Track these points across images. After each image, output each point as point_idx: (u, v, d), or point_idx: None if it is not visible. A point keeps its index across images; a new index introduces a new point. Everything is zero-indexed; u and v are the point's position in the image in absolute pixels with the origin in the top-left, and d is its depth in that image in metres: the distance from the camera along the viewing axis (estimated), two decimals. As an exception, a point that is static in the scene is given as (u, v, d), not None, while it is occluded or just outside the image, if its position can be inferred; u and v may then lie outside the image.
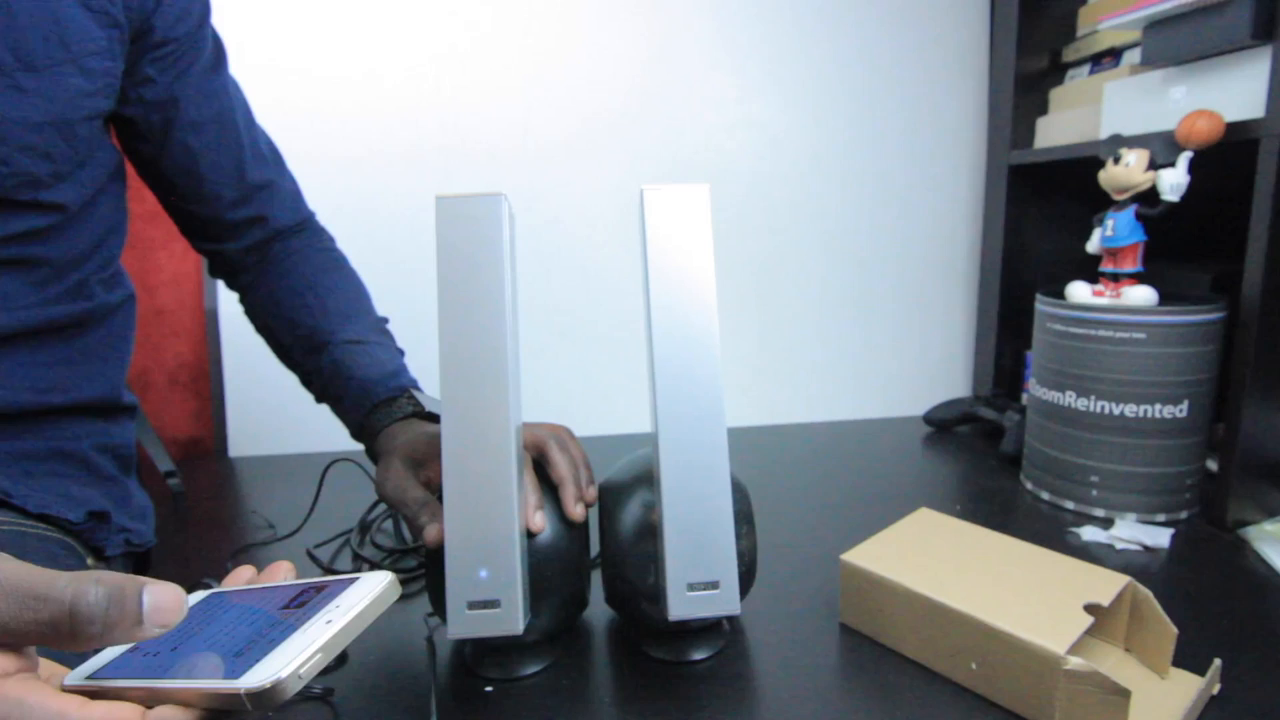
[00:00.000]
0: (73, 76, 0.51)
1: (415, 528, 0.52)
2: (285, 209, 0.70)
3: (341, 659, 0.55)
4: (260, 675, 0.25)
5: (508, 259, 0.49)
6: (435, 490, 0.56)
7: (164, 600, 0.27)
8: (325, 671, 0.32)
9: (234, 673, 0.26)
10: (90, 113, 0.53)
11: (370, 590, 0.29)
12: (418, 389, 0.66)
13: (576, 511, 0.53)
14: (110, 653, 0.30)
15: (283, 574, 0.35)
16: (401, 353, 0.69)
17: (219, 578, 0.66)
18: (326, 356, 0.65)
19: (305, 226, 0.72)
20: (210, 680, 0.26)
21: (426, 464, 0.57)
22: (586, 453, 0.59)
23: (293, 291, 0.68)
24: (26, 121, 0.49)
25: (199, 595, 0.34)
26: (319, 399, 0.69)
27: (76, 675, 0.29)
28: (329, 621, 0.28)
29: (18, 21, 0.48)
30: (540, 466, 0.56)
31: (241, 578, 0.36)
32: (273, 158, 0.70)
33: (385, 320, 0.71)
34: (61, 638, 0.26)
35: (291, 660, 0.26)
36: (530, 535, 0.52)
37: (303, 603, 0.30)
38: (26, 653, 0.27)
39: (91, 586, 0.26)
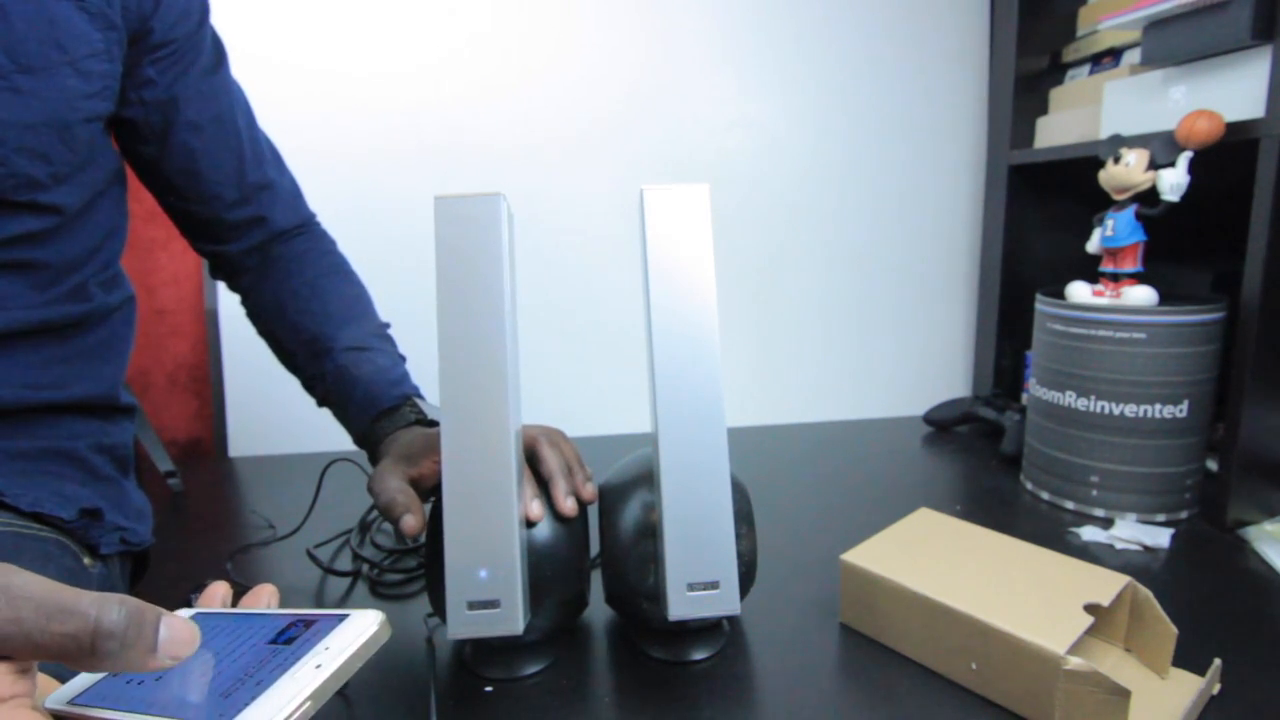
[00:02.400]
0: (69, 78, 0.51)
1: (391, 519, 0.53)
2: (285, 210, 0.70)
3: None
4: None
5: (507, 259, 0.49)
6: (425, 486, 0.56)
7: (179, 633, 0.27)
8: None
9: (221, 716, 0.26)
10: (88, 115, 0.53)
11: (361, 633, 0.29)
12: (420, 397, 0.66)
13: (566, 505, 0.53)
14: (91, 678, 0.30)
15: (265, 598, 0.34)
16: (403, 359, 0.70)
17: (219, 578, 0.66)
18: (330, 363, 0.66)
19: (306, 229, 0.72)
20: None
21: (418, 460, 0.57)
22: (585, 453, 0.59)
23: (295, 295, 0.68)
24: (22, 123, 0.49)
25: (184, 614, 0.34)
26: (321, 404, 0.69)
27: (58, 698, 0.29)
28: (318, 666, 0.27)
29: (13, 24, 0.48)
30: (532, 466, 0.56)
31: (216, 595, 0.35)
32: (273, 159, 0.70)
33: (387, 325, 0.72)
34: (81, 653, 0.25)
35: (281, 709, 0.25)
36: (529, 524, 0.52)
37: (290, 639, 0.29)
38: (29, 674, 0.27)
39: (115, 606, 0.26)
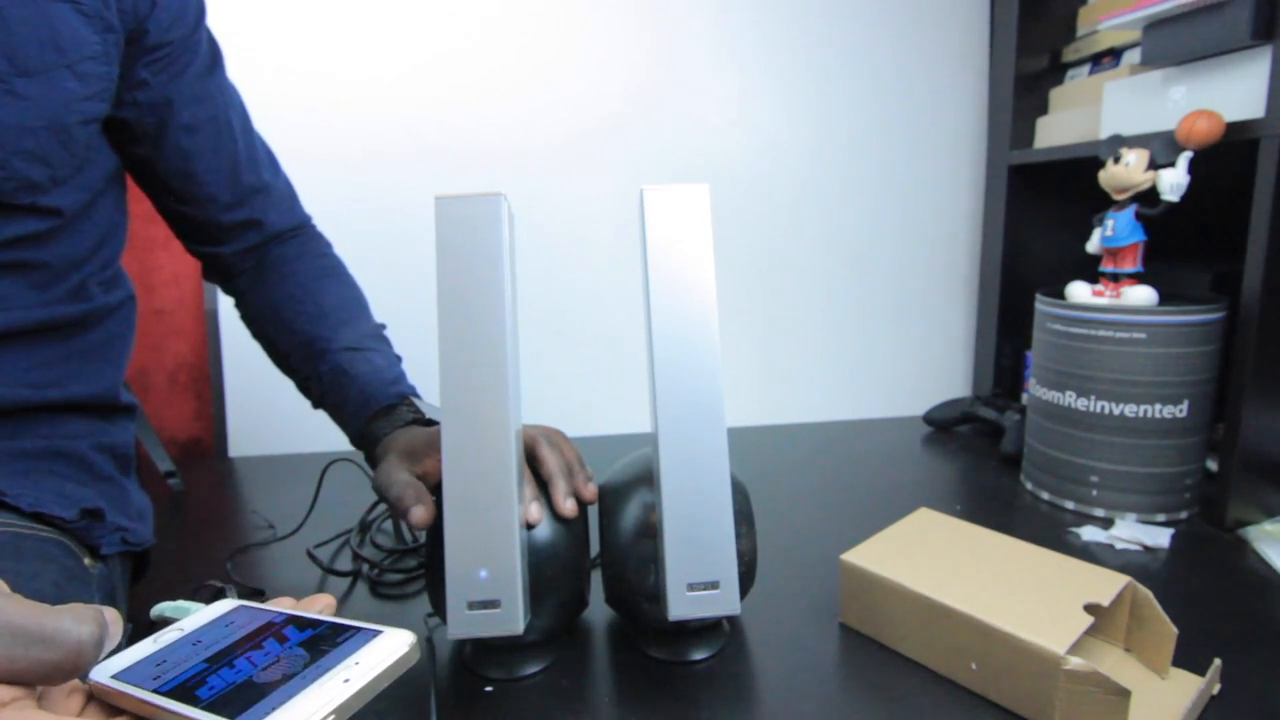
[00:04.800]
0: (67, 81, 0.51)
1: (400, 511, 0.53)
2: (280, 212, 0.70)
3: None
4: None
5: (507, 259, 0.49)
6: (429, 483, 0.56)
7: (116, 626, 0.28)
8: None
9: (248, 718, 0.26)
10: (86, 117, 0.53)
11: (392, 652, 0.30)
12: (417, 396, 0.66)
13: (566, 507, 0.53)
14: (134, 654, 0.31)
15: (319, 606, 0.35)
16: (399, 358, 0.69)
17: (219, 578, 0.66)
18: (325, 363, 0.66)
19: (301, 231, 0.72)
20: None
21: (421, 458, 0.57)
22: (585, 453, 0.59)
23: (290, 297, 0.68)
24: (21, 126, 0.49)
25: (229, 605, 0.35)
26: (317, 405, 0.69)
27: (102, 672, 0.29)
28: (346, 680, 0.28)
29: (10, 27, 0.48)
30: (532, 468, 0.56)
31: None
32: (269, 161, 0.70)
33: (383, 327, 0.71)
34: (62, 676, 0.26)
35: (306, 719, 0.26)
36: (528, 527, 0.52)
37: (324, 649, 0.30)
38: None
39: (90, 625, 0.26)
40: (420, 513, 0.51)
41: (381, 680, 0.29)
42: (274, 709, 0.26)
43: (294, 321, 0.67)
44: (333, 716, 0.26)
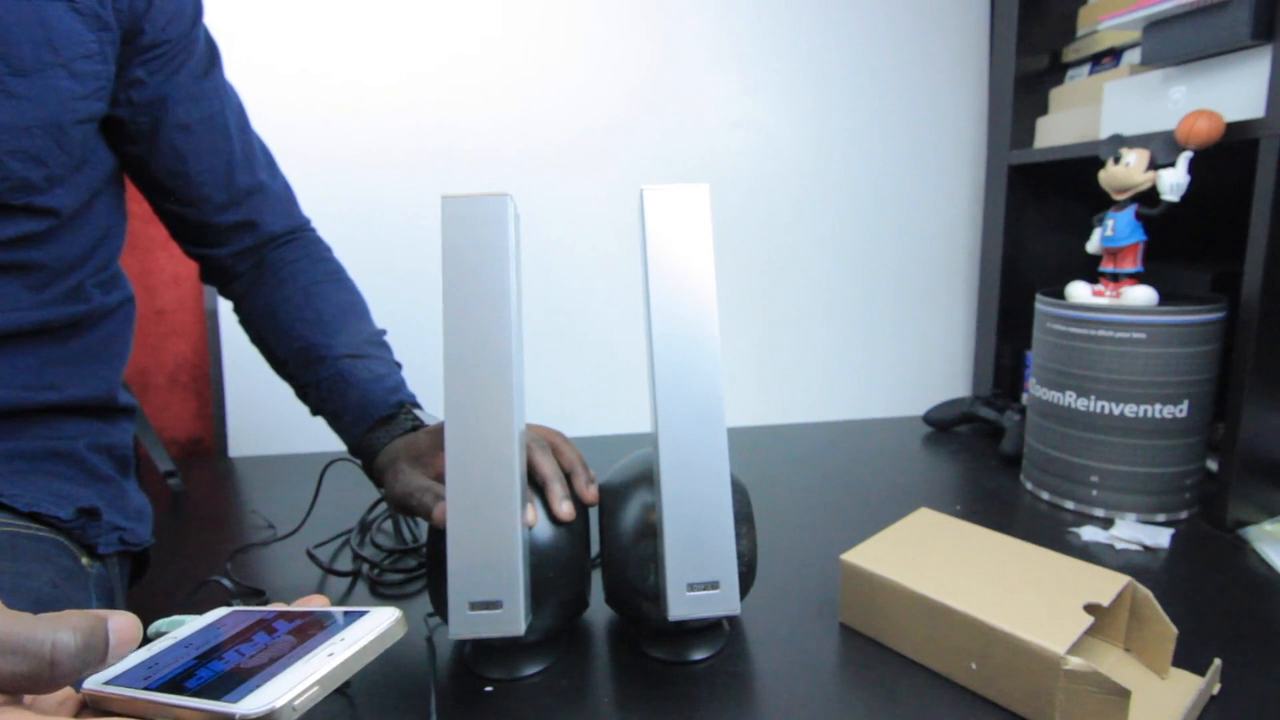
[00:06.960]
0: (62, 80, 0.51)
1: (424, 513, 0.53)
2: (277, 214, 0.68)
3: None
4: (256, 703, 0.26)
5: (513, 259, 0.49)
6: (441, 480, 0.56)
7: (125, 631, 0.28)
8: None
9: (233, 697, 0.27)
10: (82, 116, 0.53)
11: (375, 627, 0.30)
12: (416, 405, 0.65)
13: (563, 510, 0.53)
14: (127, 662, 0.31)
15: (315, 604, 0.35)
16: (399, 366, 0.69)
17: (222, 577, 0.66)
18: (324, 370, 0.65)
19: (299, 235, 0.71)
20: (209, 702, 0.27)
21: (429, 460, 0.57)
22: (585, 453, 0.59)
23: (289, 302, 0.67)
24: (16, 126, 0.49)
25: (223, 611, 0.35)
26: (315, 412, 0.68)
27: (95, 680, 0.30)
28: (330, 654, 0.28)
29: (5, 26, 0.48)
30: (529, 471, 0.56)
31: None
32: (266, 163, 0.69)
33: (383, 332, 0.70)
34: (39, 687, 0.26)
35: (288, 691, 0.26)
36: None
37: (310, 633, 0.31)
38: None
39: (68, 634, 0.26)
40: (441, 510, 0.51)
41: (367, 653, 0.29)
42: (261, 684, 0.27)
43: (292, 327, 0.66)
44: (315, 687, 0.27)
